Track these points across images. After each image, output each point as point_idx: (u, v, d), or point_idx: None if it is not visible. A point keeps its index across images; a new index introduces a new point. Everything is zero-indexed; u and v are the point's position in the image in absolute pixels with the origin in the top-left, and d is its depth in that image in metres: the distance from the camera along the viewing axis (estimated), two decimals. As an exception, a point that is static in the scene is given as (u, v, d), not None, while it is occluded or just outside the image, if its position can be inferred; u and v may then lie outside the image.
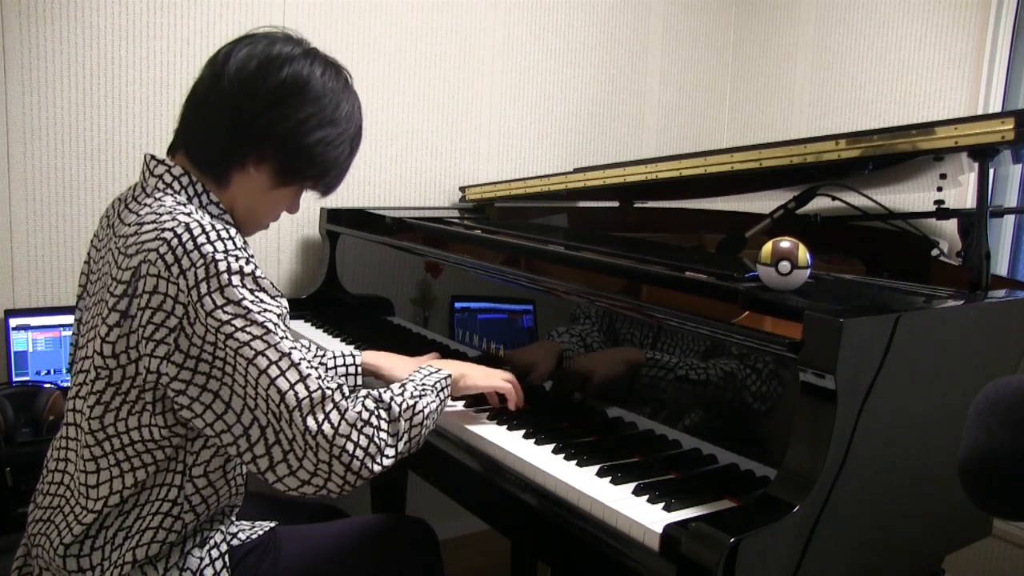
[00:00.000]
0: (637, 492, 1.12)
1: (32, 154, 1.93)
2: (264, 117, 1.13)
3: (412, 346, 1.77)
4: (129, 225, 1.10)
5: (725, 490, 1.13)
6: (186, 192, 1.14)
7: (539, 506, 1.18)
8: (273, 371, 1.02)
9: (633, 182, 1.88)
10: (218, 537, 1.20)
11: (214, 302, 1.01)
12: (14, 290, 1.95)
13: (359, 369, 1.55)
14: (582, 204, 2.48)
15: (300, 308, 2.17)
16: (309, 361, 1.05)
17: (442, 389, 1.27)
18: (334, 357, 1.54)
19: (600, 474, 1.19)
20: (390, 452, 1.10)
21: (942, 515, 1.37)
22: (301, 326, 2.08)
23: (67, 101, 1.95)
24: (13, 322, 1.88)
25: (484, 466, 1.31)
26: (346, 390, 1.09)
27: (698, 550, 0.94)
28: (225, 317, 1.01)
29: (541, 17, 2.59)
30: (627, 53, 2.79)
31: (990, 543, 2.15)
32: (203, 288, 1.01)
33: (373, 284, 2.10)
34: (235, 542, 1.23)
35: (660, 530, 1.00)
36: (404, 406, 1.14)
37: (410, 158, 2.44)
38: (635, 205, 2.38)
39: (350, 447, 1.04)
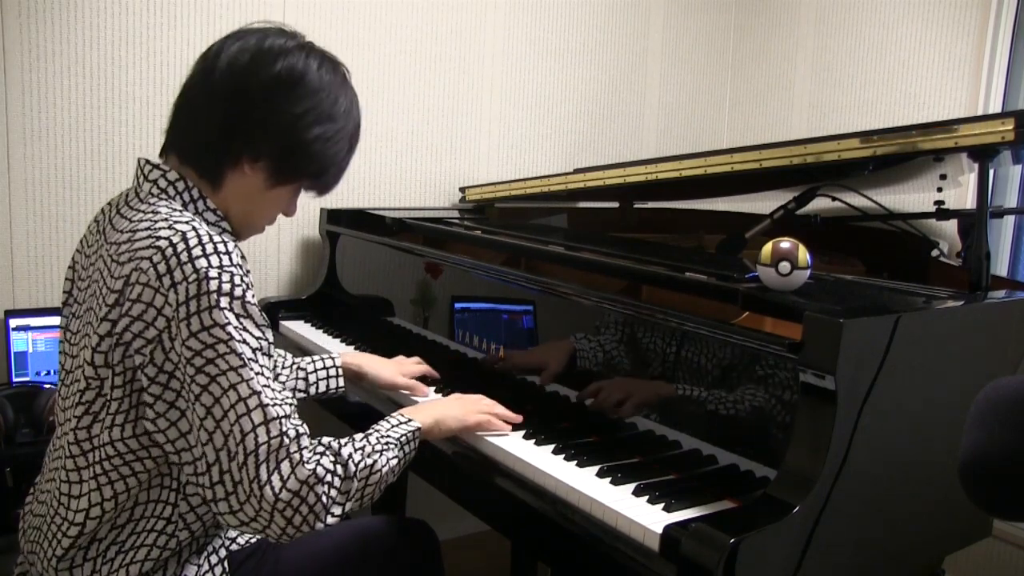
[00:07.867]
0: (637, 492, 1.12)
1: (32, 155, 1.93)
2: (258, 112, 1.09)
3: (412, 346, 1.77)
4: (122, 232, 1.06)
5: (725, 490, 1.13)
6: (181, 198, 1.10)
7: (539, 507, 1.18)
8: (240, 408, 0.98)
9: (633, 183, 1.88)
10: (216, 542, 1.19)
11: (201, 322, 0.98)
12: (14, 290, 1.95)
13: (340, 371, 1.53)
14: (582, 205, 2.48)
15: (300, 308, 2.17)
16: (279, 403, 1.01)
17: (408, 442, 1.20)
18: (312, 361, 1.52)
19: (600, 475, 1.19)
20: (336, 511, 1.05)
21: (942, 515, 1.37)
22: (301, 327, 2.08)
23: (67, 102, 1.95)
24: (13, 322, 1.88)
25: (484, 466, 1.31)
26: (305, 440, 1.03)
27: (698, 550, 0.94)
28: (209, 340, 0.98)
29: (541, 18, 2.59)
30: (627, 53, 2.79)
31: (990, 543, 2.15)
32: (192, 306, 0.98)
33: (373, 284, 2.10)
34: (234, 547, 1.23)
35: (660, 530, 1.00)
36: (361, 465, 1.08)
37: (410, 158, 2.44)
38: (635, 206, 2.38)
39: (296, 503, 1.00)
